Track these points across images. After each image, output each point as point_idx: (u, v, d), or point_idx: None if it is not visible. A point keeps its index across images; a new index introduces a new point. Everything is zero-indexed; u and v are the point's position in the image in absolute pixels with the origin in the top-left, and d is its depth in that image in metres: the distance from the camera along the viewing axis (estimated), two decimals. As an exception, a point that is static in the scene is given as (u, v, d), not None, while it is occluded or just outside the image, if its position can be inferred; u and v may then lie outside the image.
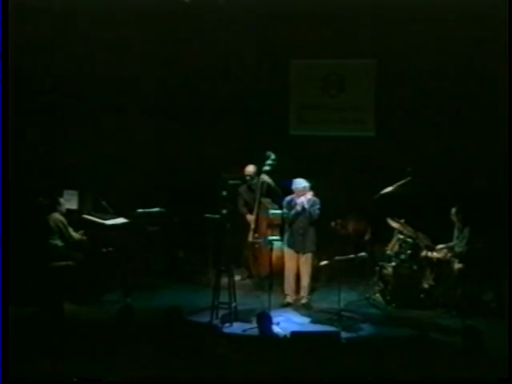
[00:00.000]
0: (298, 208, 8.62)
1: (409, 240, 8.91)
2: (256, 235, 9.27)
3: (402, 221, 9.01)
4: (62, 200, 8.99)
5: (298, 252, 8.68)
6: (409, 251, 8.85)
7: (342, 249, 8.88)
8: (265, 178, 9.35)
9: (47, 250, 8.64)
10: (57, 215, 8.78)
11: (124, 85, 10.64)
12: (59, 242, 8.71)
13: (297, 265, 8.70)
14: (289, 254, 8.73)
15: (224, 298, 7.93)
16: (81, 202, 9.50)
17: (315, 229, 8.68)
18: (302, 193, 8.65)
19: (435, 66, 10.41)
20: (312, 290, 8.87)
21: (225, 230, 8.37)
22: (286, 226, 8.82)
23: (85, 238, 8.90)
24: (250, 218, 9.41)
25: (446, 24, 10.11)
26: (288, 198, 8.77)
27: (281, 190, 9.26)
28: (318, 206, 8.64)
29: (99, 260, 8.94)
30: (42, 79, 10.62)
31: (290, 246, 8.72)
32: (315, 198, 8.70)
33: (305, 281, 8.69)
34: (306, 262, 8.66)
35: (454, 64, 10.34)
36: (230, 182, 8.90)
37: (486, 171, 10.18)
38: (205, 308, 8.03)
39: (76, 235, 8.83)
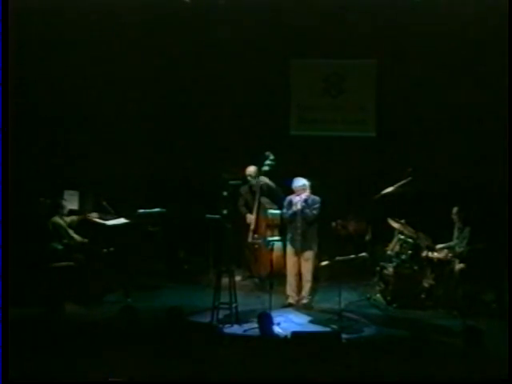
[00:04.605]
0: (295, 208, 8.61)
1: (409, 240, 8.91)
2: (256, 236, 9.29)
3: (403, 221, 9.01)
4: (64, 203, 8.99)
5: (298, 252, 8.67)
6: (409, 251, 8.86)
7: (342, 249, 8.89)
8: (264, 179, 9.36)
9: (48, 252, 8.64)
10: (57, 218, 8.77)
11: (124, 85, 10.62)
12: (59, 245, 8.71)
13: (298, 265, 8.69)
14: (290, 254, 8.73)
15: (225, 298, 7.94)
16: (81, 202, 9.51)
17: (314, 228, 8.66)
18: (301, 192, 8.64)
19: (436, 66, 10.40)
20: (313, 290, 8.87)
21: (225, 230, 8.37)
22: (287, 226, 8.82)
23: (86, 240, 8.91)
24: (250, 217, 9.43)
25: (447, 24, 10.09)
26: (288, 198, 8.76)
27: (281, 190, 9.26)
28: (316, 206, 8.59)
29: (100, 260, 8.94)
30: (41, 80, 10.61)
31: (291, 245, 8.70)
32: (315, 197, 8.65)
33: (306, 281, 8.68)
34: (307, 263, 8.64)
35: (454, 64, 10.33)
36: (231, 182, 8.90)
37: (486, 171, 10.16)
38: (206, 308, 8.03)
39: (77, 237, 8.83)
